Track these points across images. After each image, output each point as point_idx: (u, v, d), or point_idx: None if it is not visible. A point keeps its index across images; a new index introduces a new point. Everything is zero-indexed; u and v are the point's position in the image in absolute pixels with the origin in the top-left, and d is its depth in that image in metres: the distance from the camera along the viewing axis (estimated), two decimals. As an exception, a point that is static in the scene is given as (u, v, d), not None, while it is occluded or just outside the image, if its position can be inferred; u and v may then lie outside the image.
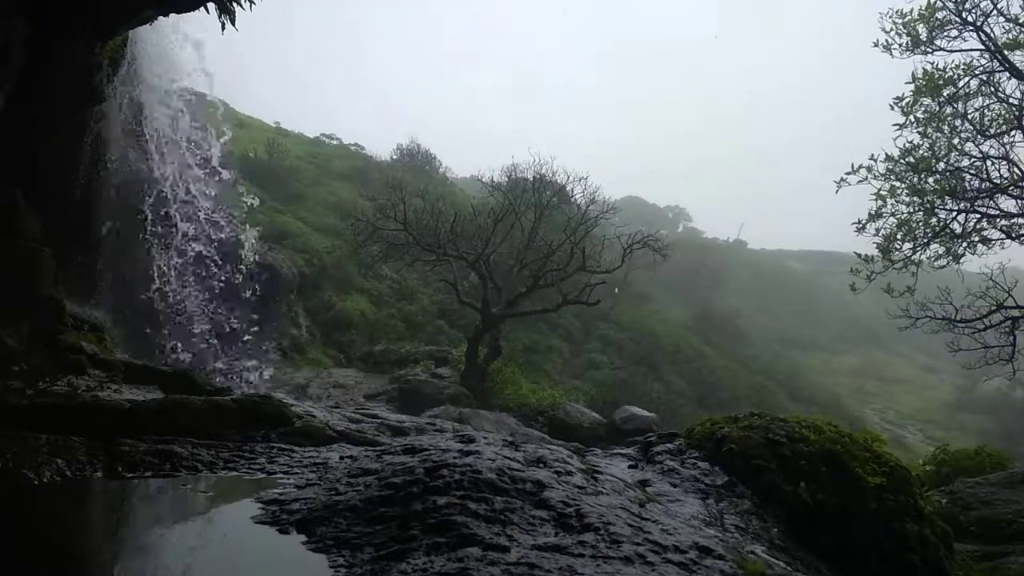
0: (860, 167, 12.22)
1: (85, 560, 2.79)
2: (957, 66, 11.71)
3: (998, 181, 11.65)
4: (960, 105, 11.80)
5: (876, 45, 11.90)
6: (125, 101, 10.94)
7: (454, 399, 16.75)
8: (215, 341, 15.75)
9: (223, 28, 6.36)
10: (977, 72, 11.63)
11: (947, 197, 11.98)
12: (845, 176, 12.25)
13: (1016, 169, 11.58)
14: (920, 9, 11.55)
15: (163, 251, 14.35)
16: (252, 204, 19.75)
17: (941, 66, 11.76)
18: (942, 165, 12.10)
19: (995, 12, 11.20)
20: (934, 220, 12.16)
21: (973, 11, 11.28)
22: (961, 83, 11.72)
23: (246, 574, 2.65)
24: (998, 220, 11.90)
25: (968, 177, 11.99)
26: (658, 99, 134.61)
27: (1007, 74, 11.39)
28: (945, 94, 11.74)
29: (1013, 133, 11.57)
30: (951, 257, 12.00)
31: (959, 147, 11.99)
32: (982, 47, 11.44)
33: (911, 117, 12.03)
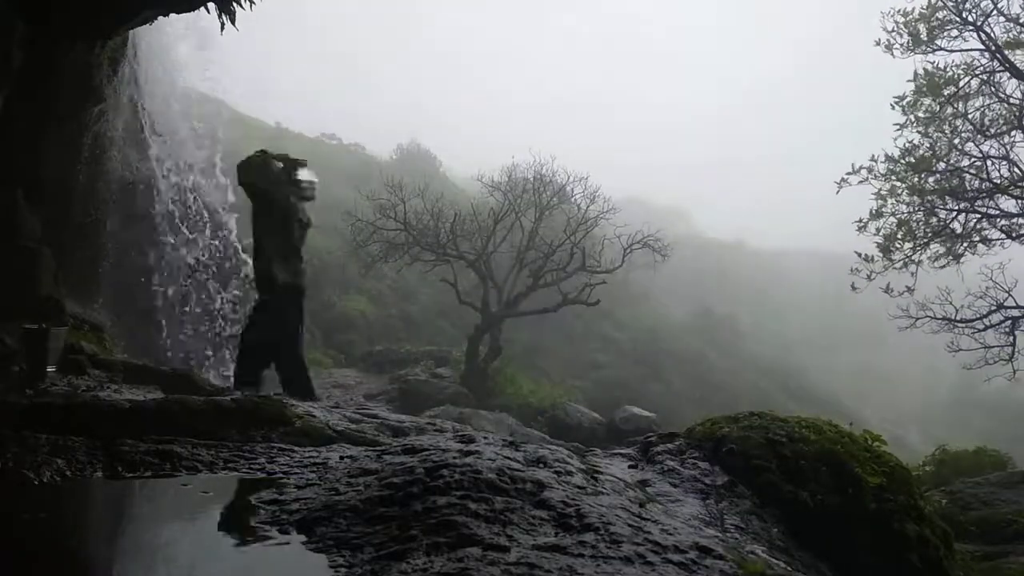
0: (861, 167, 12.26)
1: (85, 560, 2.79)
2: (958, 66, 11.74)
3: (998, 181, 11.67)
4: (961, 105, 11.82)
5: (878, 44, 11.92)
6: (125, 101, 10.96)
7: (454, 399, 16.75)
8: (215, 341, 15.76)
9: (223, 28, 6.35)
10: (977, 72, 11.65)
11: (947, 197, 12.00)
12: (846, 176, 12.29)
13: (1016, 169, 11.60)
14: (921, 8, 11.57)
15: (163, 250, 14.36)
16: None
17: (942, 66, 11.79)
18: (942, 165, 12.12)
19: (995, 12, 11.21)
20: (934, 220, 12.20)
21: (973, 11, 11.29)
22: (962, 83, 11.74)
23: (246, 574, 2.65)
24: (998, 220, 11.93)
25: (968, 177, 12.01)
26: (657, 99, 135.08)
27: (1007, 74, 11.40)
28: (946, 94, 11.75)
29: (1013, 133, 11.60)
30: (951, 257, 12.02)
31: (959, 147, 12.01)
32: (982, 47, 11.46)
33: (911, 117, 12.06)
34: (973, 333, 12.06)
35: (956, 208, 12.09)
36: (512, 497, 2.84)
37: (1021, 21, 11.20)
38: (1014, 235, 11.71)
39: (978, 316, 11.92)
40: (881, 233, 12.33)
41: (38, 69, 6.09)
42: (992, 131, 11.65)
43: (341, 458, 3.81)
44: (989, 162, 11.74)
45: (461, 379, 18.52)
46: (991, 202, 11.93)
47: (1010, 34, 11.23)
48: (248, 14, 6.39)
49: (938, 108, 11.91)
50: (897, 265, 12.18)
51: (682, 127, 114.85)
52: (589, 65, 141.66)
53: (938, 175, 12.05)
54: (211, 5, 6.26)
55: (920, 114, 12.00)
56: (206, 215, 16.12)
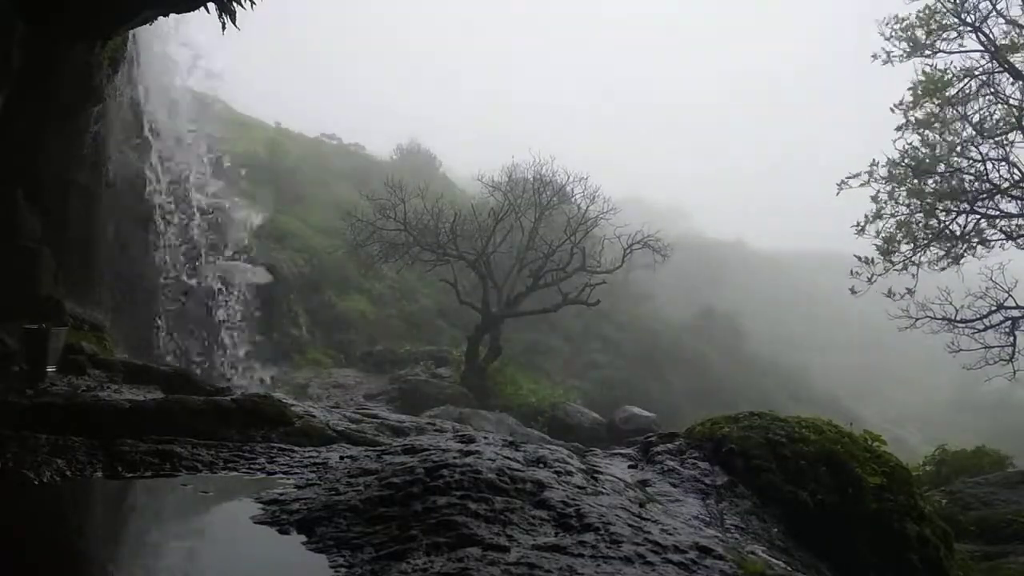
0: (861, 171, 12.27)
1: (85, 560, 2.79)
2: (957, 69, 11.73)
3: (998, 182, 11.66)
4: (960, 107, 11.80)
5: (876, 58, 11.91)
6: (125, 101, 10.96)
7: (454, 399, 16.75)
8: (214, 341, 15.77)
9: (223, 28, 6.35)
10: (977, 74, 11.64)
11: (947, 199, 11.99)
12: (846, 179, 12.30)
13: (1016, 170, 11.59)
14: (918, 12, 11.57)
15: (163, 251, 14.37)
16: (251, 204, 19.80)
17: (941, 68, 11.79)
18: (942, 167, 12.11)
19: (994, 13, 11.21)
20: (934, 222, 12.19)
21: (972, 12, 11.29)
22: (961, 84, 11.74)
23: (246, 574, 2.65)
24: (998, 221, 11.92)
25: (968, 179, 12.00)
26: (659, 100, 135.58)
27: (1007, 75, 11.39)
28: (945, 96, 11.74)
29: (1013, 134, 11.58)
30: (951, 258, 12.01)
31: (959, 149, 12.00)
32: (982, 48, 11.45)
33: (911, 120, 12.05)
34: (973, 333, 12.06)
35: (956, 210, 12.09)
36: (512, 497, 2.84)
37: (1020, 22, 11.20)
38: (1014, 236, 11.71)
39: (978, 316, 11.92)
40: (881, 235, 12.34)
41: (38, 69, 6.09)
42: (991, 133, 11.65)
43: (341, 458, 3.81)
44: (988, 164, 11.73)
45: (461, 379, 18.52)
46: (991, 203, 11.93)
47: (1008, 37, 11.24)
48: (249, 14, 6.40)
49: (937, 110, 11.90)
50: (897, 267, 12.18)
51: (683, 128, 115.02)
52: (592, 66, 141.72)
53: (938, 177, 12.05)
54: (211, 5, 6.26)
55: (919, 116, 12.01)
56: (207, 214, 16.12)
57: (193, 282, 15.37)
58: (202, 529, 3.09)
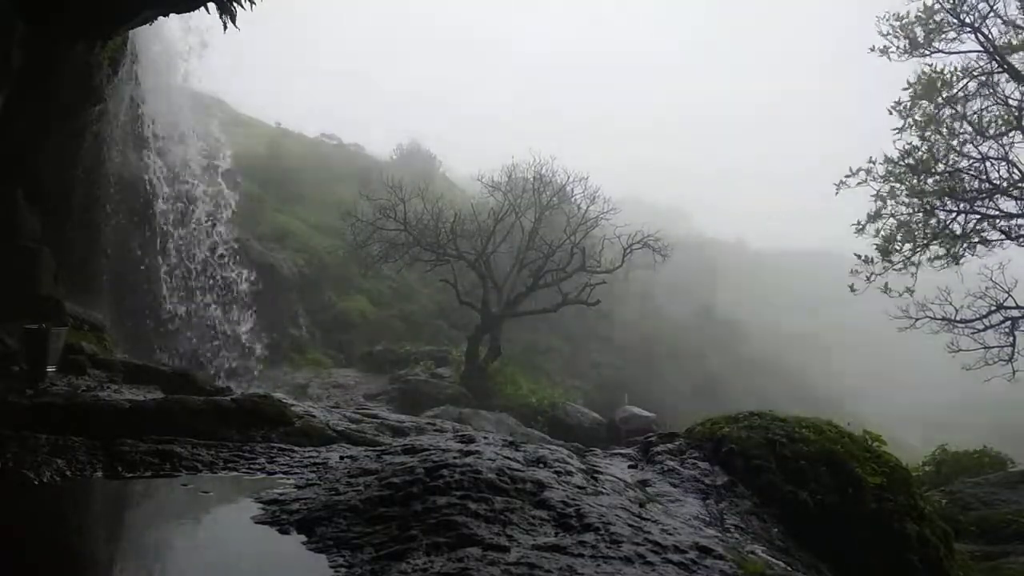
0: (860, 169, 12.25)
1: (85, 560, 2.79)
2: (956, 68, 11.72)
3: (997, 182, 11.65)
4: (959, 107, 11.79)
5: (873, 50, 11.90)
6: (125, 101, 10.97)
7: (454, 399, 16.74)
8: (215, 341, 15.77)
9: (224, 28, 6.35)
10: (976, 74, 11.63)
11: (946, 198, 11.99)
12: (845, 179, 12.28)
13: (1015, 170, 11.58)
14: (917, 11, 11.56)
15: (163, 250, 14.37)
16: (252, 204, 19.79)
17: (940, 68, 11.78)
18: (941, 166, 12.10)
19: (992, 14, 11.20)
20: (933, 221, 12.18)
21: (971, 13, 11.27)
22: (960, 85, 11.73)
23: (246, 574, 2.65)
24: (997, 221, 11.91)
25: (967, 178, 11.99)
26: (658, 99, 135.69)
27: (1006, 75, 11.38)
28: (944, 96, 11.73)
29: (1012, 134, 11.56)
30: (951, 258, 12.00)
31: (958, 148, 11.99)
32: (980, 48, 11.44)
33: (910, 119, 12.03)
34: (973, 333, 12.05)
35: (955, 209, 12.09)
36: (512, 497, 2.84)
37: (1018, 23, 11.19)
38: (1013, 236, 11.70)
39: (978, 316, 11.91)
40: (880, 235, 12.34)
41: (38, 69, 6.09)
42: (991, 132, 11.64)
43: (341, 458, 3.81)
44: (988, 163, 11.72)
45: (461, 379, 18.51)
46: (990, 203, 11.92)
47: (1006, 36, 11.23)
48: (249, 14, 6.40)
49: (936, 110, 11.89)
50: (897, 267, 12.17)
51: (684, 128, 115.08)
52: (592, 67, 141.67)
53: (937, 176, 12.04)
54: (211, 5, 6.26)
55: (918, 116, 11.99)
56: (207, 213, 16.13)
57: (192, 280, 15.37)
58: (202, 529, 3.09)
